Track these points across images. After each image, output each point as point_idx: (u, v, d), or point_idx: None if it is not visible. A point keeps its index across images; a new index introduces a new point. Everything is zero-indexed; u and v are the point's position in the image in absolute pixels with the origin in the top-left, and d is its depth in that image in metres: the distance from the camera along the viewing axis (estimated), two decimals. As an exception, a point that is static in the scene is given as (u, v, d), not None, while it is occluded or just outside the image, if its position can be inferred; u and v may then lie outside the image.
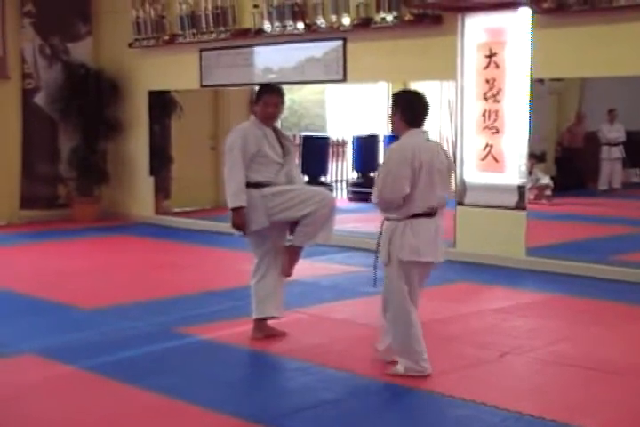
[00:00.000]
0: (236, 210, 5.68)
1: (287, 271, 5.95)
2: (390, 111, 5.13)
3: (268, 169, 5.78)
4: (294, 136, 14.74)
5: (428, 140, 5.08)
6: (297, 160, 6.14)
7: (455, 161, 8.94)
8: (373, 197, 5.04)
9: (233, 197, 5.68)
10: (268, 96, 5.88)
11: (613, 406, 4.68)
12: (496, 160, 8.70)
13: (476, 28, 8.75)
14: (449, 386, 4.91)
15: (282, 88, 6.05)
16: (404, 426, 4.41)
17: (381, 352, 5.28)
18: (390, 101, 5.21)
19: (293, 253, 5.94)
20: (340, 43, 9.88)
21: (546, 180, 13.19)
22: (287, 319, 6.18)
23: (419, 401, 4.76)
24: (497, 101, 8.68)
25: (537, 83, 8.78)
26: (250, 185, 5.72)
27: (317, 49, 10.13)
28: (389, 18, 9.22)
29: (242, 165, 5.69)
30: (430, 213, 4.98)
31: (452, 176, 5.27)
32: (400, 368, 5.05)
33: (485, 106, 8.76)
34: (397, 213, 4.97)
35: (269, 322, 6.00)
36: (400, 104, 5.09)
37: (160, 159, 12.48)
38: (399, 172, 4.89)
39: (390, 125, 5.23)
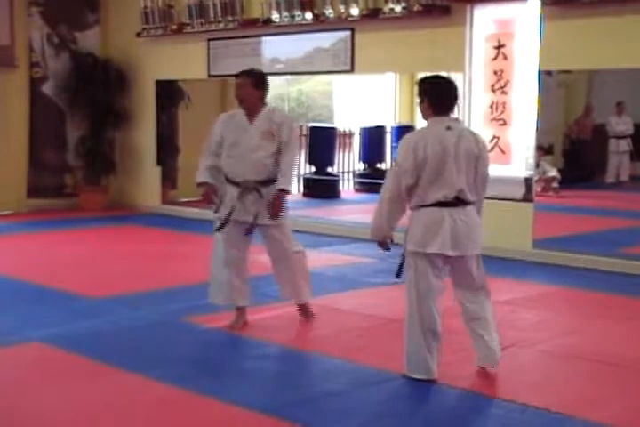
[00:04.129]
0: (198, 185, 6.01)
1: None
2: (418, 98, 4.96)
3: (237, 163, 5.85)
4: (301, 127, 14.73)
5: (449, 128, 4.78)
6: (297, 150, 5.99)
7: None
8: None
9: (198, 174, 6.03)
10: (236, 78, 5.98)
11: (620, 399, 4.68)
12: (503, 152, 8.68)
13: (485, 19, 8.72)
14: (453, 378, 4.91)
15: (254, 71, 6.02)
16: (408, 418, 4.41)
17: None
18: (417, 88, 4.99)
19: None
20: (348, 33, 9.86)
21: (553, 172, 13.14)
22: (293, 309, 6.19)
23: (423, 393, 4.75)
24: (505, 93, 8.66)
25: (545, 75, 8.75)
26: (226, 179, 5.96)
27: (325, 39, 10.11)
28: (398, 8, 9.21)
29: (208, 150, 5.97)
30: (447, 204, 4.75)
31: (485, 165, 4.93)
32: None
33: (493, 97, 8.74)
34: (410, 204, 4.85)
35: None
36: (423, 90, 4.91)
37: (167, 149, 12.49)
38: (402, 163, 4.76)
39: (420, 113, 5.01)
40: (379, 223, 4.89)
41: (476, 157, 4.84)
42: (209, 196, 5.98)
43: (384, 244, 4.96)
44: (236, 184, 5.87)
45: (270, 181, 5.82)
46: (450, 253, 4.78)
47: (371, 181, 14.18)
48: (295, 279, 6.10)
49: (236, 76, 6.00)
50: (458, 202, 4.80)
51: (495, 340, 5.01)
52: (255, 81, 5.87)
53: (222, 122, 6.01)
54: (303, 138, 14.34)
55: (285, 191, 5.81)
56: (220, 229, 5.97)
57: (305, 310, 6.24)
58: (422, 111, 4.94)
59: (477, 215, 4.92)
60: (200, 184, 6.00)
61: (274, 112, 5.91)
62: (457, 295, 5.02)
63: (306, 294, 6.20)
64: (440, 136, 4.78)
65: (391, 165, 4.98)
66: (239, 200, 5.86)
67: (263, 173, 5.83)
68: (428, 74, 5.26)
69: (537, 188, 9.42)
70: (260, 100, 5.88)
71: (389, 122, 15.23)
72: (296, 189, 14.09)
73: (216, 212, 6.01)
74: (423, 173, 4.74)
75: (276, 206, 5.81)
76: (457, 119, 5.05)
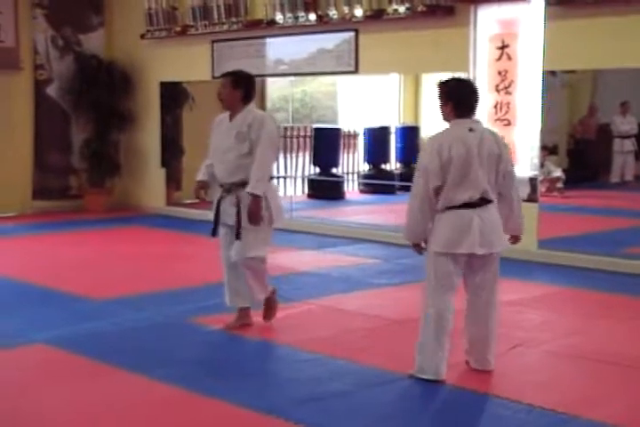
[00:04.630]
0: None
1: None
2: (438, 100, 4.94)
3: (216, 165, 5.90)
4: (305, 128, 14.73)
5: (472, 129, 4.82)
6: (268, 149, 5.76)
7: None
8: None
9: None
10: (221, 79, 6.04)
11: (623, 398, 4.67)
12: (508, 152, 8.67)
13: (489, 19, 8.72)
14: (459, 378, 4.91)
15: (236, 71, 6.08)
16: (413, 419, 4.41)
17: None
18: (437, 90, 4.98)
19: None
20: (351, 34, 9.86)
21: (558, 172, 13.12)
22: (298, 310, 6.19)
23: (428, 394, 4.75)
24: (509, 93, 8.66)
25: (549, 75, 8.74)
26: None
27: (329, 40, 10.11)
28: (402, 9, 9.21)
29: (209, 153, 6.02)
30: (472, 204, 4.78)
31: (508, 165, 4.95)
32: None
33: (497, 98, 8.74)
34: (437, 206, 4.83)
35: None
36: (446, 93, 4.90)
37: (171, 151, 12.49)
38: (427, 165, 4.76)
39: (441, 115, 4.99)
40: (412, 226, 4.89)
41: (498, 156, 4.86)
42: (197, 191, 6.05)
43: (419, 246, 4.96)
44: (221, 186, 5.91)
45: (246, 183, 5.74)
46: (479, 251, 4.81)
47: (375, 181, 14.20)
48: (248, 282, 5.97)
49: (221, 77, 6.08)
50: (482, 202, 4.82)
51: (492, 349, 5.03)
52: (234, 81, 5.88)
53: (215, 124, 6.07)
54: (308, 139, 14.37)
55: (252, 195, 5.70)
56: (212, 234, 6.00)
57: (267, 309, 6.10)
58: (444, 113, 4.93)
59: (498, 213, 4.93)
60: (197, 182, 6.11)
61: (249, 112, 5.87)
62: (467, 293, 5.02)
63: (258, 294, 6.01)
64: (463, 138, 4.79)
65: (416, 168, 4.89)
66: (222, 202, 5.87)
67: (237, 174, 5.79)
68: (447, 75, 5.25)
69: (541, 188, 9.41)
70: (241, 101, 5.86)
71: (394, 123, 15.22)
72: (300, 189, 14.12)
73: None
74: (449, 174, 4.75)
75: (250, 211, 5.72)
76: (478, 121, 5.05)
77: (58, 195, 12.35)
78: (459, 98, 4.88)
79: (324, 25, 10.00)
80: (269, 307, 6.10)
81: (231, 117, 5.90)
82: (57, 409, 4.49)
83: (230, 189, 5.82)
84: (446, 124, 4.96)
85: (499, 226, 4.91)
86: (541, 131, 8.57)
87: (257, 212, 5.70)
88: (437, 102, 4.95)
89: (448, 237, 4.79)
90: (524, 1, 8.43)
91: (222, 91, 5.91)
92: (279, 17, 10.35)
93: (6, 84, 11.74)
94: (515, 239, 5.16)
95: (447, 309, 4.85)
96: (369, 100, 15.59)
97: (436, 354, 4.82)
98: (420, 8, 9.05)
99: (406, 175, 14.66)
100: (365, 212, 12.64)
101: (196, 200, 6.26)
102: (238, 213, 5.76)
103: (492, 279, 4.98)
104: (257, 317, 6.10)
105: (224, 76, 6.03)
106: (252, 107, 5.95)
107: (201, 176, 6.02)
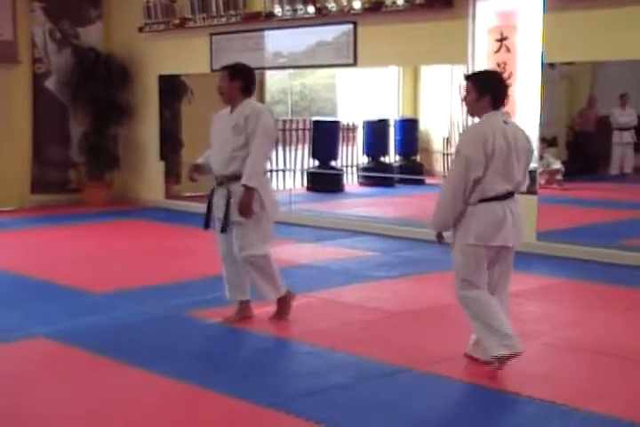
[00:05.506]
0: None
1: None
2: (466, 92, 4.90)
3: (213, 157, 5.92)
4: (304, 121, 14.71)
5: (506, 122, 4.86)
6: (264, 142, 5.74)
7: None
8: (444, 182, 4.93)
9: None
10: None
11: (623, 391, 4.68)
12: (507, 144, 8.66)
13: (487, 11, 8.70)
14: (458, 371, 4.92)
15: (233, 64, 6.07)
16: (412, 410, 4.41)
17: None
18: (466, 82, 4.93)
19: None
20: (350, 26, 9.84)
21: (557, 164, 13.12)
22: (297, 303, 6.19)
23: (428, 385, 4.76)
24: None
25: (548, 67, 8.73)
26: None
27: (328, 33, 10.10)
28: (400, 1, 9.19)
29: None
30: (502, 197, 4.81)
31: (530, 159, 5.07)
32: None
33: (496, 90, 8.72)
34: (470, 198, 4.82)
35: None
36: (482, 86, 4.88)
37: (170, 144, 12.49)
38: (471, 155, 4.73)
39: (466, 107, 4.97)
40: (441, 216, 4.91)
41: (530, 152, 4.97)
42: (189, 173, 6.08)
43: (441, 236, 5.00)
44: (215, 179, 5.91)
45: (238, 177, 5.72)
46: (510, 244, 4.89)
47: (374, 174, 14.19)
48: (253, 279, 5.94)
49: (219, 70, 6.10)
50: (510, 194, 4.88)
51: None
52: (231, 73, 5.88)
53: (215, 118, 6.07)
54: (307, 132, 14.35)
55: (246, 187, 5.67)
56: (204, 226, 6.00)
57: (279, 309, 6.07)
58: (478, 106, 4.88)
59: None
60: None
61: (247, 104, 5.85)
62: (489, 285, 5.04)
63: (267, 293, 5.97)
64: (502, 129, 4.81)
65: (456, 158, 4.87)
66: (214, 195, 5.88)
67: (230, 167, 5.77)
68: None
69: (541, 180, 9.41)
70: (240, 93, 5.85)
71: (393, 115, 15.20)
72: (300, 182, 14.12)
73: None
74: (490, 165, 4.75)
75: (241, 203, 5.70)
76: (508, 114, 5.09)
77: (57, 188, 12.36)
78: (495, 91, 4.90)
79: (322, 17, 9.98)
80: (281, 309, 6.05)
81: (232, 110, 5.89)
82: (58, 403, 4.49)
83: (222, 181, 5.82)
84: (464, 118, 5.00)
85: (523, 217, 5.00)
86: (540, 123, 8.55)
87: (248, 204, 5.68)
88: (470, 96, 4.89)
89: (483, 229, 4.81)
90: (522, -7, 8.42)
91: (221, 84, 5.91)
92: (278, 9, 10.33)
93: (4, 77, 11.73)
94: None
95: (484, 292, 4.92)
96: (368, 92, 15.57)
97: (501, 331, 4.83)
98: (418, 0, 9.03)
99: (405, 168, 14.72)
100: (364, 204, 12.64)
101: (198, 193, 6.27)
102: (227, 207, 5.75)
103: (508, 270, 5.08)
104: (256, 309, 6.10)
105: (222, 69, 6.04)
106: (252, 99, 5.95)
107: (199, 161, 6.06)
